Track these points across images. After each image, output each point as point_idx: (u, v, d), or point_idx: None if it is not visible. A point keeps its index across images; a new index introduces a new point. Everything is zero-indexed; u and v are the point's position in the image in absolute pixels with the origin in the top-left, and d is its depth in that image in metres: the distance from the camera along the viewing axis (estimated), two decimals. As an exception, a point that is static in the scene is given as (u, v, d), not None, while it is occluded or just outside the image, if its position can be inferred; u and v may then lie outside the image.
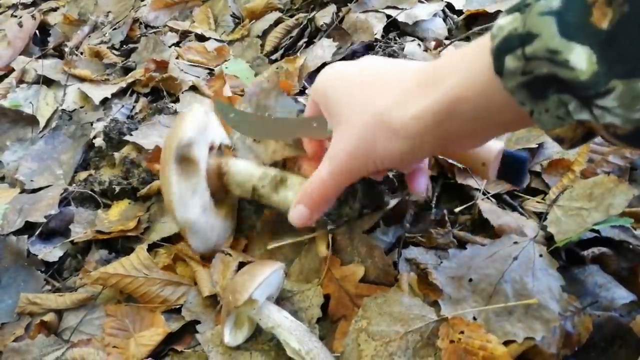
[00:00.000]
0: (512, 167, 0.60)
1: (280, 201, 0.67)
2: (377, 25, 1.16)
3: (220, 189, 0.72)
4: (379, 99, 0.50)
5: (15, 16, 1.90)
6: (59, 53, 1.56)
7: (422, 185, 0.61)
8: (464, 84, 0.43)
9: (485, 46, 0.40)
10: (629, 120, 0.34)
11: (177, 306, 0.72)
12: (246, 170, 0.70)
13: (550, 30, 0.35)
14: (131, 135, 1.00)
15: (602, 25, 0.33)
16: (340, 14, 1.24)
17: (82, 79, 1.31)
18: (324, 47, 1.13)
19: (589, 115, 0.36)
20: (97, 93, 1.22)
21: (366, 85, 0.52)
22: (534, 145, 0.76)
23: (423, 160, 0.60)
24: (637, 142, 0.36)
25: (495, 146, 0.59)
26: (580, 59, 0.34)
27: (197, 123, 0.69)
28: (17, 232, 0.85)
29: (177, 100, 1.14)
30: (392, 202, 0.72)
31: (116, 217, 0.86)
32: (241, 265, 0.71)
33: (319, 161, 0.58)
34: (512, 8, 0.39)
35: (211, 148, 0.73)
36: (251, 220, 0.79)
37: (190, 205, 0.67)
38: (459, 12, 1.18)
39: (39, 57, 1.49)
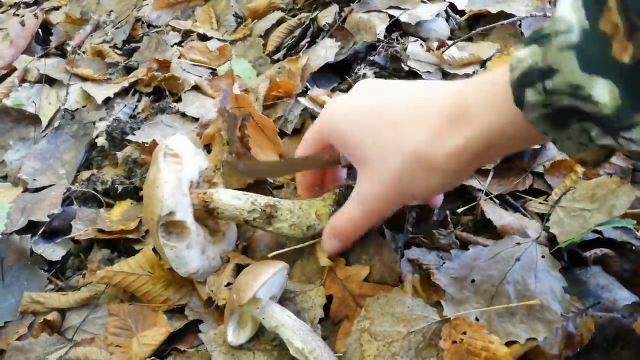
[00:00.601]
0: None
1: (275, 231, 0.69)
2: (380, 26, 1.16)
3: (213, 220, 0.74)
4: (412, 136, 0.50)
5: (18, 15, 1.90)
6: (61, 52, 1.56)
7: (440, 200, 0.67)
8: (495, 122, 0.45)
9: (505, 78, 0.41)
10: None
11: (180, 306, 0.72)
12: (234, 205, 0.69)
13: (571, 65, 0.35)
14: (134, 135, 1.00)
15: (624, 59, 0.32)
16: (343, 14, 1.24)
17: (84, 79, 1.31)
18: (327, 48, 1.13)
19: (613, 141, 0.36)
20: (100, 93, 1.23)
21: (392, 124, 0.52)
22: (537, 146, 0.77)
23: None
24: None
25: None
26: (604, 93, 0.34)
27: (172, 186, 0.65)
28: (21, 232, 0.85)
29: (179, 100, 1.14)
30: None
31: (118, 217, 0.86)
32: (240, 268, 0.71)
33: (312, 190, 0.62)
34: (531, 39, 0.39)
35: (191, 185, 0.72)
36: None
37: (190, 260, 0.69)
38: (462, 13, 1.18)
39: (42, 57, 1.49)
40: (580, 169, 0.73)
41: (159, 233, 0.65)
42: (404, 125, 0.51)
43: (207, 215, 0.71)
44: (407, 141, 0.50)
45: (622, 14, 0.32)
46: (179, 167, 0.69)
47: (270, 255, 0.70)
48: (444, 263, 0.66)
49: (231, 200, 0.69)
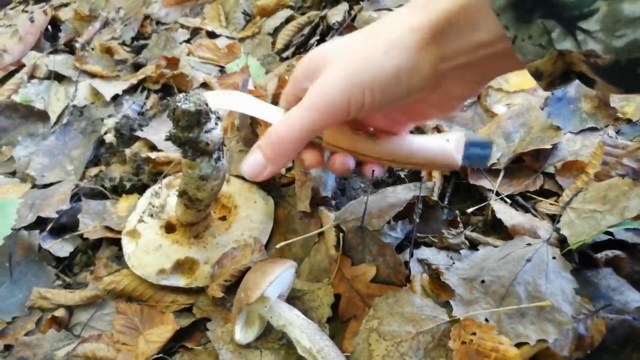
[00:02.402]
0: (474, 145, 0.58)
1: None
2: (389, 24, 1.15)
3: None
4: (375, 28, 0.49)
5: (27, 11, 1.90)
6: (69, 49, 1.56)
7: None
8: (457, 2, 0.43)
9: None
10: (610, 48, 0.34)
11: (188, 305, 0.72)
12: None
13: None
14: (142, 131, 1.00)
15: None
16: (353, 12, 1.24)
17: (93, 75, 1.31)
18: None
19: (572, 42, 0.36)
20: (108, 89, 1.23)
21: (364, 36, 0.50)
22: (548, 146, 0.76)
23: (418, 90, 0.51)
24: (615, 77, 0.36)
25: (456, 134, 0.58)
26: None
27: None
28: (29, 227, 0.85)
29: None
30: (401, 197, 0.71)
31: (124, 211, 0.86)
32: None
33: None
34: None
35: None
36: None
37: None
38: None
39: (50, 53, 1.49)
40: (591, 170, 0.72)
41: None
42: (374, 30, 0.49)
43: None
44: (369, 30, 0.49)
45: None
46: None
47: (277, 245, 0.70)
48: (453, 263, 0.66)
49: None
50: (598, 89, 0.40)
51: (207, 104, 0.57)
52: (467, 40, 0.44)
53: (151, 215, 0.76)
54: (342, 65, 0.48)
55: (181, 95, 0.57)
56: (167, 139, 0.59)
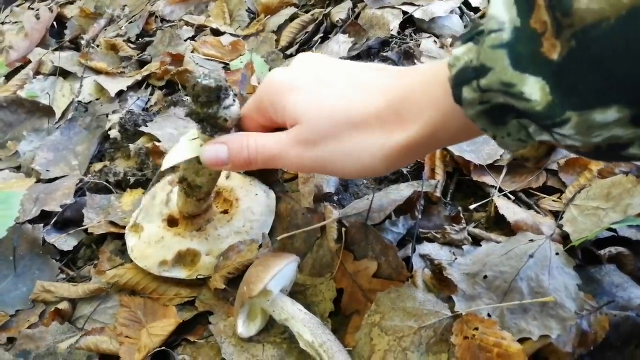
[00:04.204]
0: None
1: None
2: (394, 22, 1.15)
3: None
4: (354, 112, 0.49)
5: (33, 9, 1.91)
6: (75, 46, 1.57)
7: None
8: (439, 117, 0.45)
9: (445, 75, 0.41)
10: (589, 144, 0.34)
11: (191, 299, 0.72)
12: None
13: (503, 63, 0.35)
14: (146, 126, 1.00)
15: (552, 56, 0.32)
16: (357, 10, 1.24)
17: (98, 72, 1.32)
18: (340, 43, 1.13)
19: (550, 137, 0.36)
20: (113, 85, 1.23)
21: (337, 92, 0.50)
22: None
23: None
24: (599, 156, 0.37)
25: None
26: (534, 90, 0.34)
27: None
28: (33, 221, 0.86)
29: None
30: (404, 194, 0.72)
31: (129, 206, 0.86)
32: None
33: None
34: (466, 36, 0.39)
35: None
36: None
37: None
38: (476, 10, 1.17)
39: (56, 50, 1.50)
40: (595, 167, 0.72)
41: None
42: (351, 98, 0.50)
43: None
44: (353, 118, 0.49)
45: (549, 12, 0.32)
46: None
47: (279, 237, 0.71)
48: (456, 259, 0.66)
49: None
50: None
51: (226, 80, 0.58)
52: (441, 146, 0.48)
53: (145, 242, 0.76)
54: (315, 149, 0.51)
55: (201, 71, 0.57)
56: (186, 115, 0.59)
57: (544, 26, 0.32)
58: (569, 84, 0.32)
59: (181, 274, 0.72)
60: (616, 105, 0.31)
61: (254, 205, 0.78)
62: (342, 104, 0.49)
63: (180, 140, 0.63)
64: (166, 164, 0.61)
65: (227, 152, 0.55)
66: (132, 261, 0.75)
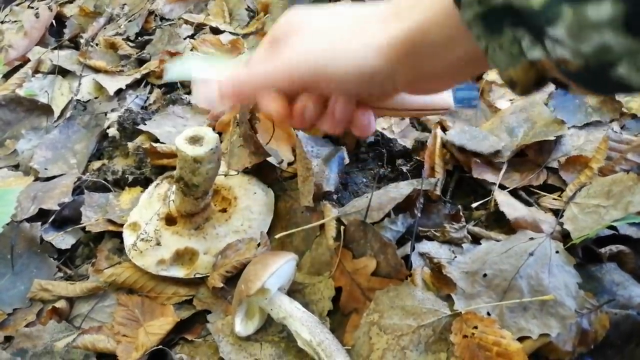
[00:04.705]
0: (462, 89, 0.60)
1: None
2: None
3: None
4: (352, 17, 0.50)
5: (32, 7, 1.91)
6: (74, 44, 1.57)
7: (372, 127, 0.55)
8: (429, 16, 0.44)
9: None
10: (578, 54, 0.33)
11: (189, 297, 0.71)
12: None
13: None
14: (145, 125, 1.00)
15: None
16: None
17: (97, 70, 1.32)
18: None
19: (541, 50, 0.36)
20: (112, 84, 1.23)
21: (338, 25, 0.50)
22: (551, 138, 0.75)
23: (389, 94, 0.54)
24: (588, 81, 0.36)
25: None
26: None
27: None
28: (31, 219, 0.85)
29: (190, 92, 1.14)
30: (403, 192, 0.71)
31: (127, 204, 0.86)
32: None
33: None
34: None
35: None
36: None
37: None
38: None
39: (55, 48, 1.50)
40: (595, 165, 0.72)
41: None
42: (350, 10, 0.50)
43: None
44: (350, 22, 0.49)
45: None
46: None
47: (277, 235, 0.70)
48: (455, 257, 0.65)
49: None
50: (572, 92, 0.40)
51: None
52: (443, 57, 0.46)
53: (142, 240, 0.75)
54: (318, 50, 0.49)
55: None
56: None
57: None
58: None
59: (179, 272, 0.71)
60: None
61: (253, 203, 0.77)
62: (341, 19, 0.50)
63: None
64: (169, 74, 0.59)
65: (212, 91, 0.53)
66: (129, 259, 0.74)
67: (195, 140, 0.65)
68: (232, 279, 0.69)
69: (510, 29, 0.38)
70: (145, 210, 0.79)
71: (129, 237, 0.76)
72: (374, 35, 0.47)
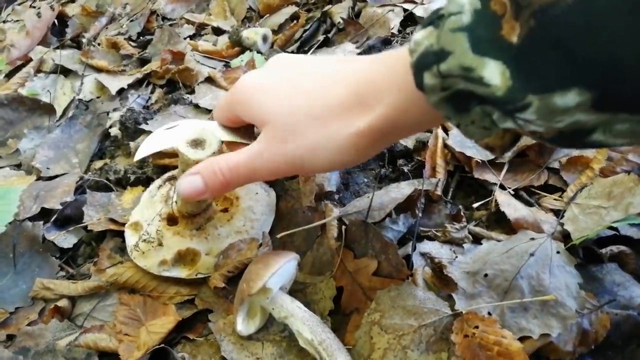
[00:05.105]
0: None
1: None
2: (394, 20, 1.15)
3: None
4: (320, 108, 0.49)
5: (34, 7, 1.91)
6: (76, 44, 1.57)
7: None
8: (396, 104, 0.45)
9: (407, 59, 0.41)
10: (552, 129, 0.33)
11: (191, 297, 0.72)
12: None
13: (463, 46, 0.34)
14: (147, 124, 1.00)
15: (512, 39, 0.32)
16: (357, 8, 1.24)
17: (99, 70, 1.32)
18: (346, 52, 1.12)
19: (513, 124, 0.36)
20: (114, 83, 1.23)
21: (304, 92, 0.51)
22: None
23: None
24: (564, 142, 0.36)
25: None
26: (494, 74, 0.33)
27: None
28: (33, 218, 0.85)
29: (192, 92, 1.14)
30: (404, 192, 0.71)
31: (130, 204, 0.86)
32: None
33: None
34: (427, 21, 0.39)
35: None
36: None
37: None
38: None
39: (57, 48, 1.50)
40: (596, 166, 0.72)
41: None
42: (314, 94, 0.50)
43: None
44: (315, 112, 0.49)
45: None
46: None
47: (279, 235, 0.70)
48: (456, 257, 0.65)
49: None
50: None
51: None
52: (411, 132, 0.52)
53: (144, 241, 0.75)
54: (289, 144, 0.51)
55: None
56: None
57: (503, 8, 0.32)
58: (529, 67, 0.32)
59: (181, 273, 0.72)
60: (576, 87, 0.30)
61: (255, 204, 0.77)
62: (305, 100, 0.50)
63: (156, 131, 0.64)
64: (139, 154, 0.63)
65: (201, 181, 0.56)
66: (131, 259, 0.75)
67: (197, 143, 0.65)
68: (234, 278, 0.69)
69: (478, 107, 0.37)
70: (147, 209, 0.79)
71: (130, 237, 0.77)
72: (343, 131, 0.48)
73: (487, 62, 0.33)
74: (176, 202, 0.74)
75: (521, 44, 0.31)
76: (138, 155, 0.63)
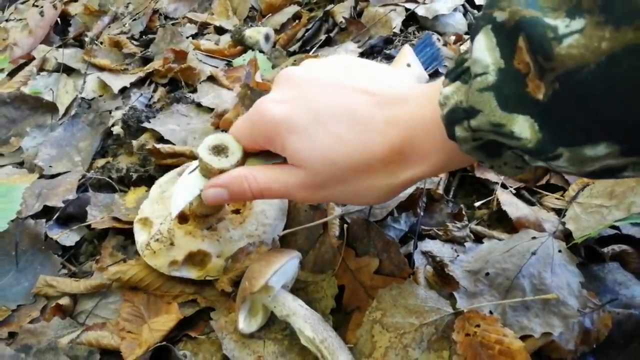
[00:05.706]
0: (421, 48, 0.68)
1: None
2: (396, 19, 1.15)
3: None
4: (357, 157, 0.49)
5: (37, 6, 1.92)
6: (79, 42, 1.57)
7: None
8: (443, 160, 0.46)
9: (437, 112, 0.42)
10: (584, 171, 0.35)
11: (195, 297, 0.72)
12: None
13: (491, 105, 0.35)
14: (149, 123, 1.00)
15: (538, 96, 0.33)
16: (359, 8, 1.24)
17: (101, 68, 1.32)
18: (348, 51, 1.12)
19: (545, 164, 0.37)
20: (116, 82, 1.23)
21: (334, 136, 0.49)
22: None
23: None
24: (596, 177, 0.37)
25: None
26: (524, 128, 0.34)
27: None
28: (35, 216, 0.86)
29: (195, 90, 1.14)
30: (406, 191, 0.71)
31: (132, 204, 0.86)
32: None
33: None
34: (453, 74, 0.40)
35: None
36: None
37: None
38: (479, 7, 1.17)
39: (60, 46, 1.50)
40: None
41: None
42: (352, 144, 0.49)
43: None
44: (356, 164, 0.49)
45: (530, 55, 0.32)
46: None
47: (280, 234, 0.70)
48: (458, 255, 0.65)
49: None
50: None
51: None
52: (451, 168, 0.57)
53: (157, 241, 0.74)
54: (342, 196, 0.53)
55: None
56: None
57: (527, 67, 0.33)
58: (557, 123, 0.33)
59: (190, 274, 0.71)
60: (605, 142, 0.32)
61: (268, 207, 0.76)
62: (343, 150, 0.49)
63: (182, 177, 0.63)
64: (176, 206, 0.61)
65: (228, 194, 0.57)
66: (134, 257, 0.75)
67: (219, 150, 0.61)
68: (240, 281, 0.69)
69: (510, 151, 0.39)
70: (157, 204, 0.78)
71: (139, 233, 0.76)
72: (385, 182, 0.50)
73: (516, 117, 0.34)
74: (191, 203, 0.73)
75: (547, 101, 0.32)
76: (176, 209, 0.61)
